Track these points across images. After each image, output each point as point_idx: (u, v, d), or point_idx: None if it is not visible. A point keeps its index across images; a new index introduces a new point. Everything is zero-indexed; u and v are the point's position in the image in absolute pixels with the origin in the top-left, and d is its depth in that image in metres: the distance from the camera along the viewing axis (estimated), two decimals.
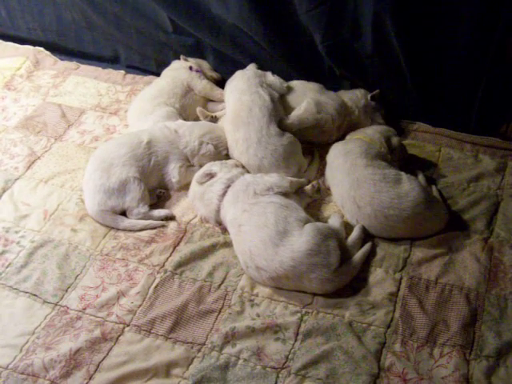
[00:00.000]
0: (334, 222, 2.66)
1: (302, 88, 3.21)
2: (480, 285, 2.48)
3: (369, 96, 3.20)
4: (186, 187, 2.96)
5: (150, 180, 2.92)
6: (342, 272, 2.44)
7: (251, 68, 3.26)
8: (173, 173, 2.95)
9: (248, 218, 2.53)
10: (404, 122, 3.35)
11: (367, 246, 2.60)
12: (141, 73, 3.84)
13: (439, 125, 3.30)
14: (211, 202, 2.72)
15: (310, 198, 2.87)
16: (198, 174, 2.84)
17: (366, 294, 2.47)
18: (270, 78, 3.18)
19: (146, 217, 2.80)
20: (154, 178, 2.94)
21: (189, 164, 2.99)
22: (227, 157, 2.99)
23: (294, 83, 3.24)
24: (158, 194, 2.93)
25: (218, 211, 2.70)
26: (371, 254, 2.61)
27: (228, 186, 2.70)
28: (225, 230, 2.71)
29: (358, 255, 2.54)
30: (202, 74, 3.48)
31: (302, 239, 2.40)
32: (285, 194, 2.66)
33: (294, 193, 2.77)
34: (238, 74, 3.22)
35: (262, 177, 2.72)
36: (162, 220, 2.82)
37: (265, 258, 2.41)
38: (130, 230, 2.76)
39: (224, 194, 2.69)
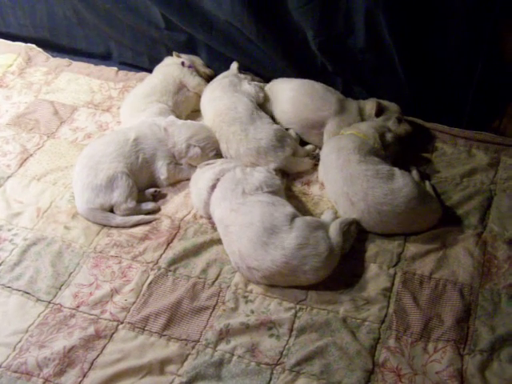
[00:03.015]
0: (326, 217, 2.67)
1: (323, 95, 3.17)
2: (474, 280, 2.48)
3: (373, 112, 3.13)
4: (177, 184, 2.98)
5: (141, 177, 2.90)
6: (329, 257, 2.44)
7: (230, 73, 3.34)
8: (161, 170, 2.94)
9: (235, 217, 2.52)
10: None
11: (338, 220, 2.59)
12: (133, 69, 3.83)
13: (432, 120, 3.30)
14: (201, 193, 2.72)
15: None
16: (203, 162, 2.88)
17: (360, 289, 2.47)
18: (246, 86, 3.24)
19: (133, 212, 2.79)
20: (144, 176, 2.92)
21: (177, 161, 2.99)
22: (216, 157, 2.98)
23: (317, 86, 3.20)
24: (154, 194, 2.92)
25: (207, 203, 2.69)
26: (365, 249, 2.62)
27: (218, 179, 2.69)
28: (214, 226, 2.70)
29: (332, 233, 2.50)
30: (194, 69, 3.47)
31: (291, 235, 2.40)
32: (274, 192, 2.66)
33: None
34: (214, 82, 3.30)
35: (252, 173, 2.71)
36: (150, 213, 2.82)
37: (255, 258, 2.40)
38: (123, 227, 2.76)
39: (214, 186, 2.68)
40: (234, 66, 3.39)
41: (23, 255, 2.64)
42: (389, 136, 2.98)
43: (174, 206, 2.87)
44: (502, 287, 2.45)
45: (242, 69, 3.43)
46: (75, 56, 3.95)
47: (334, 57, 3.25)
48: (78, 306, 2.43)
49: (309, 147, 3.13)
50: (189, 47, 3.62)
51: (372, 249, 2.63)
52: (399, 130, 3.10)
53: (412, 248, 2.63)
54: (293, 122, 3.18)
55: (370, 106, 3.17)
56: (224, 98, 3.15)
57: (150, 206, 2.85)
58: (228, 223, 2.53)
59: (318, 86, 3.21)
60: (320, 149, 3.04)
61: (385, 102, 3.17)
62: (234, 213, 2.54)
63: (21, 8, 3.91)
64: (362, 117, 3.16)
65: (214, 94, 3.22)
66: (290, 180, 3.00)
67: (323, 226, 2.52)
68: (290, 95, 3.21)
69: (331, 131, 3.09)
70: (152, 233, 2.73)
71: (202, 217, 2.78)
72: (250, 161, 2.92)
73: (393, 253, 2.61)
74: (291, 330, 2.33)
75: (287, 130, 3.14)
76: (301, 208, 2.76)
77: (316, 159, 3.02)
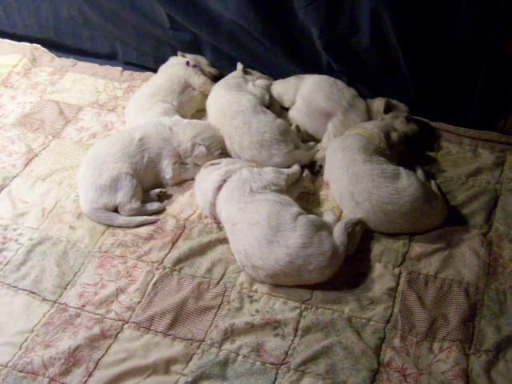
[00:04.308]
0: (328, 219, 2.67)
1: (341, 88, 3.21)
2: (479, 279, 2.48)
3: (382, 109, 3.15)
4: (182, 183, 2.98)
5: (146, 177, 2.91)
6: (334, 255, 2.44)
7: (237, 74, 3.37)
8: (166, 169, 2.94)
9: (242, 216, 2.52)
10: None
11: (343, 220, 2.59)
12: (138, 69, 3.84)
13: (438, 119, 3.30)
14: (206, 193, 2.72)
15: (303, 188, 2.89)
16: (208, 162, 2.88)
17: (366, 289, 2.47)
18: (252, 88, 3.28)
19: (138, 212, 2.80)
20: (149, 175, 2.93)
21: (182, 161, 2.99)
22: (221, 156, 2.98)
23: (339, 81, 3.24)
24: (159, 194, 2.92)
25: (212, 204, 2.69)
26: (370, 249, 2.62)
27: (225, 180, 2.69)
28: (220, 225, 2.71)
29: (337, 232, 2.51)
30: (199, 69, 3.48)
31: (295, 234, 2.41)
32: (280, 191, 2.66)
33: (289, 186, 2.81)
34: (221, 82, 3.33)
35: (259, 173, 2.71)
36: (155, 213, 2.82)
37: (260, 257, 2.40)
38: (126, 227, 2.76)
39: (220, 187, 2.68)
40: (239, 67, 3.41)
41: (29, 255, 2.64)
42: (394, 135, 2.97)
43: (179, 205, 2.88)
44: (508, 287, 2.45)
45: (248, 67, 3.45)
46: (80, 56, 3.96)
47: (339, 56, 3.25)
48: (83, 306, 2.44)
49: (311, 143, 3.15)
50: (193, 47, 3.62)
51: (377, 248, 2.62)
52: (406, 130, 3.10)
53: (417, 248, 2.62)
54: (306, 104, 3.22)
55: (378, 103, 3.20)
56: (228, 95, 3.18)
57: (154, 206, 2.85)
58: (235, 221, 2.53)
59: (339, 81, 3.26)
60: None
61: (394, 101, 3.19)
62: (241, 211, 2.54)
63: (26, 8, 3.92)
64: (370, 114, 3.17)
65: (219, 93, 3.24)
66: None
67: (327, 226, 2.53)
68: (314, 80, 3.28)
69: (336, 126, 3.11)
70: (157, 232, 2.73)
71: (207, 217, 2.79)
72: (254, 154, 2.94)
73: (398, 252, 2.60)
74: (296, 330, 2.33)
75: (290, 125, 3.16)
76: (306, 207, 2.75)
77: (318, 171, 3.02)
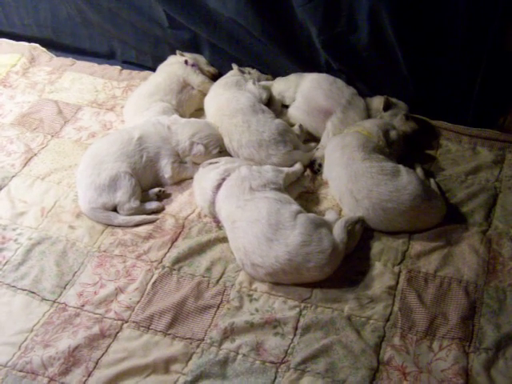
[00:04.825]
0: (329, 217, 2.66)
1: (340, 87, 3.20)
2: (479, 277, 2.48)
3: (381, 107, 3.15)
4: (181, 182, 2.98)
5: (145, 177, 2.91)
6: (334, 253, 2.44)
7: (234, 73, 3.37)
8: (165, 169, 2.94)
9: (241, 214, 2.52)
10: None
11: (344, 218, 2.59)
12: (137, 68, 3.83)
13: (437, 117, 3.30)
14: (205, 192, 2.72)
15: (303, 188, 2.89)
16: (206, 161, 2.88)
17: (365, 287, 2.46)
18: (250, 86, 3.27)
19: (137, 211, 2.79)
20: (148, 175, 2.93)
21: (181, 160, 2.99)
22: (219, 154, 2.98)
23: (338, 80, 3.24)
24: (158, 193, 2.91)
25: (212, 203, 2.69)
26: (369, 247, 2.61)
27: (223, 179, 2.69)
28: (219, 224, 2.71)
29: (337, 230, 2.51)
30: (197, 68, 3.48)
31: (295, 232, 2.40)
32: (279, 189, 2.66)
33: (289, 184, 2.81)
34: (219, 81, 3.33)
35: (259, 171, 2.71)
36: (154, 213, 2.82)
37: (260, 255, 2.40)
38: (125, 227, 2.76)
39: (219, 186, 2.68)
40: (235, 67, 3.42)
41: (28, 255, 2.64)
42: (393, 133, 2.97)
43: (178, 204, 2.87)
44: (508, 285, 2.45)
45: (247, 66, 3.46)
46: (79, 55, 3.95)
47: (338, 54, 3.24)
48: (82, 305, 2.44)
49: (312, 144, 3.14)
50: (192, 46, 3.62)
51: (376, 247, 2.62)
52: (405, 128, 3.10)
53: (417, 246, 2.62)
54: (306, 102, 3.22)
55: (378, 101, 3.20)
56: (226, 93, 3.18)
57: (153, 205, 2.85)
58: (235, 219, 2.53)
59: (338, 80, 3.26)
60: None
61: (393, 99, 3.19)
62: (240, 209, 2.54)
63: (24, 8, 3.92)
64: (369, 113, 3.17)
65: (217, 92, 3.24)
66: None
67: (327, 224, 2.53)
68: (313, 78, 3.27)
69: (335, 125, 3.10)
70: (156, 232, 2.73)
71: (206, 216, 2.78)
72: (252, 153, 2.93)
73: (397, 251, 2.60)
74: (296, 329, 2.33)
75: (292, 126, 3.15)
76: (305, 206, 2.76)
77: (317, 170, 3.01)
